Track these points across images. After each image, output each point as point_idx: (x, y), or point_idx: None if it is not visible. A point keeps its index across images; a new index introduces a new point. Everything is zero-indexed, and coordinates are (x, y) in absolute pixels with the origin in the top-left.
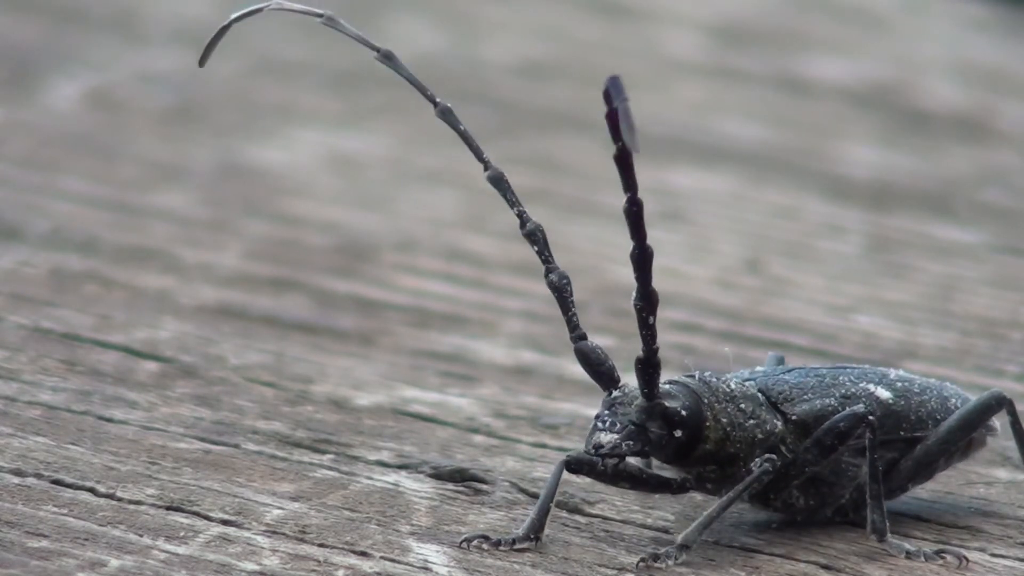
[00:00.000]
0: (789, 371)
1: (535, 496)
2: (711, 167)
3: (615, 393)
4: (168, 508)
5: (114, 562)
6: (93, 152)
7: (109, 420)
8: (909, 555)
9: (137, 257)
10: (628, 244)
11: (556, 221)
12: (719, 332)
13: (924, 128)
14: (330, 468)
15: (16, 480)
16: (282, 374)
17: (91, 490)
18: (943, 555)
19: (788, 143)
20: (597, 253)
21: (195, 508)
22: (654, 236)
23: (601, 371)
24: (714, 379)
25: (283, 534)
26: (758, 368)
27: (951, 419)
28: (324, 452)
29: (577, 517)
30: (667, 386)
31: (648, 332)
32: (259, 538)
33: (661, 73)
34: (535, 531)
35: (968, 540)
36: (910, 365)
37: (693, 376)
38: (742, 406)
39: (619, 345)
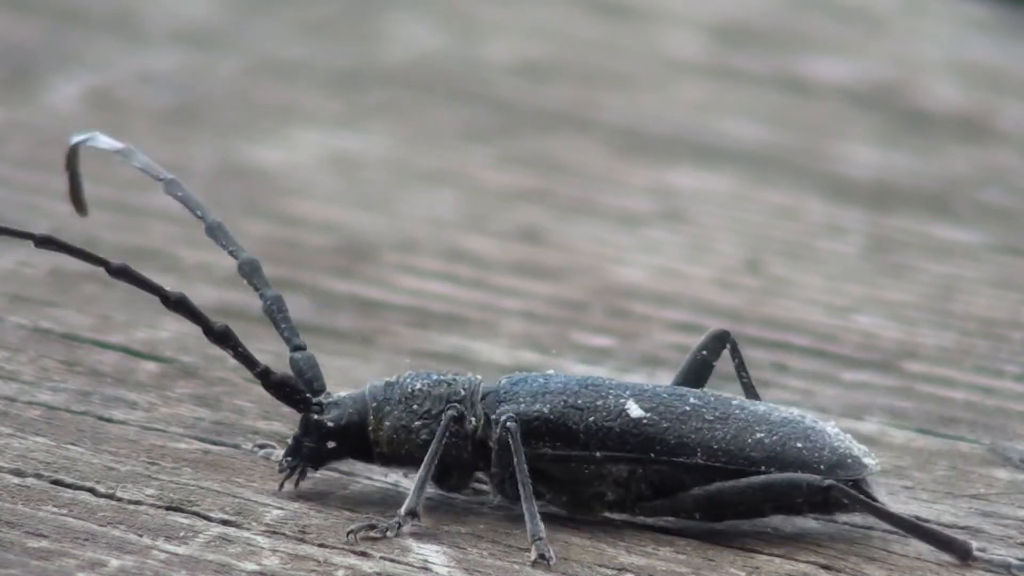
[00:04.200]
0: (555, 378)
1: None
2: (711, 167)
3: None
4: (168, 508)
5: (114, 562)
6: (93, 152)
7: (109, 420)
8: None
9: (137, 257)
10: (628, 244)
11: (556, 221)
12: None
13: (924, 128)
14: (330, 468)
15: (16, 480)
16: None
17: (91, 490)
18: None
19: (788, 143)
20: (597, 253)
21: (195, 508)
22: (654, 236)
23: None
24: (405, 379)
25: (283, 534)
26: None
27: (761, 479)
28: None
29: (577, 517)
30: (341, 395)
31: (241, 361)
32: (259, 538)
33: (661, 73)
34: (415, 505)
35: (968, 540)
36: (910, 365)
37: (390, 379)
38: (415, 407)
39: (619, 345)
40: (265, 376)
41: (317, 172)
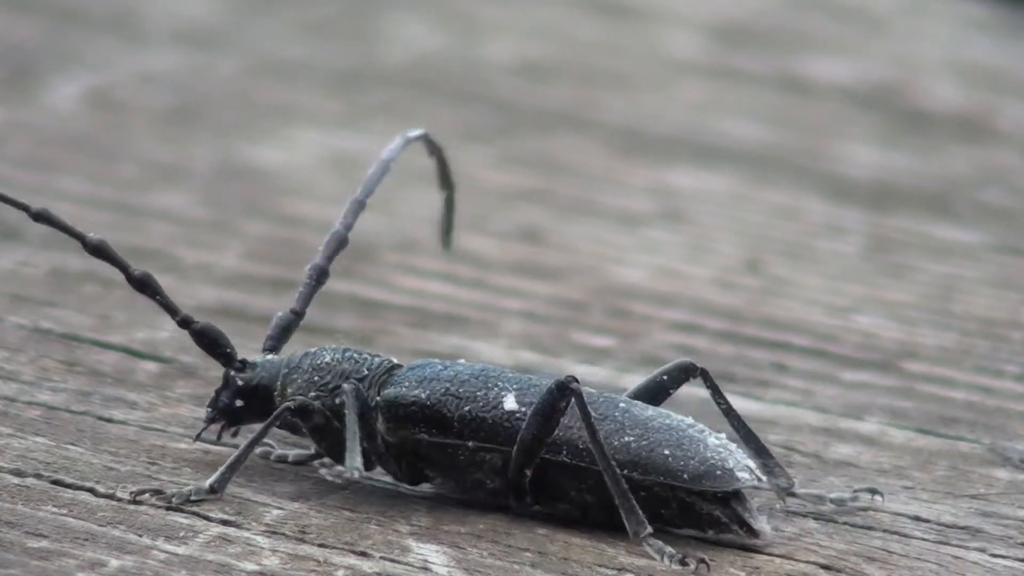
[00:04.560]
0: (453, 366)
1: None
2: (711, 167)
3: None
4: (168, 508)
5: (114, 562)
6: (93, 152)
7: (109, 420)
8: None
9: (137, 257)
10: (628, 244)
11: (556, 221)
12: (719, 332)
13: (924, 128)
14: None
15: (16, 480)
16: None
17: (91, 490)
18: (685, 561)
19: (788, 143)
20: (597, 253)
21: (195, 508)
22: (654, 236)
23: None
24: (321, 351)
25: (283, 534)
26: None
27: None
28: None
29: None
30: (268, 358)
31: (163, 308)
32: (259, 538)
33: (661, 73)
34: (220, 485)
35: (968, 540)
36: (910, 365)
37: (311, 349)
38: (316, 378)
39: (619, 345)
40: (186, 324)
41: (317, 172)
